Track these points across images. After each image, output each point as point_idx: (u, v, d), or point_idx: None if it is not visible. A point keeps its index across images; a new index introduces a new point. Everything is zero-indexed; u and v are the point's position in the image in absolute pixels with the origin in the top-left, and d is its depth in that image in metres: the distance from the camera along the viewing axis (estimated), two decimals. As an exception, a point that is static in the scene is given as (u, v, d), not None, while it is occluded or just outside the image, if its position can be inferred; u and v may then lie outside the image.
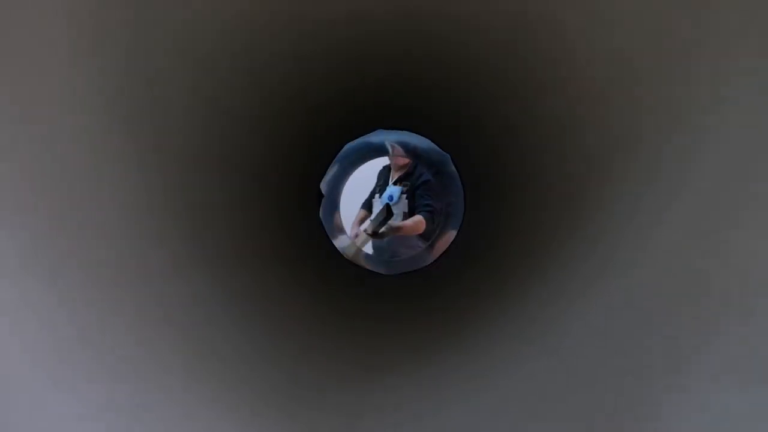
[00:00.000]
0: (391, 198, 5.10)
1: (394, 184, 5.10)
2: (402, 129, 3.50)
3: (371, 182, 5.51)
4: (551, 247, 1.35)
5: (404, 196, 4.89)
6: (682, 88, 0.90)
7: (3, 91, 0.71)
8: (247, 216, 1.66)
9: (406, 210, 4.71)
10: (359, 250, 4.42)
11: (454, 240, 3.02)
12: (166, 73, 1.16)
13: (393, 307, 2.12)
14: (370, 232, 4.49)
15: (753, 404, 0.65)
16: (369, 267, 3.18)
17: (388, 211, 4.74)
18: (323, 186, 3.71)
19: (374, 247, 4.82)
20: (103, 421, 0.71)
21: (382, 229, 4.44)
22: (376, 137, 3.71)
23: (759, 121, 0.74)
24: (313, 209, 3.41)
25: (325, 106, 2.28)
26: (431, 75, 1.89)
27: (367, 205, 5.29)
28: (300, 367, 1.20)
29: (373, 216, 4.99)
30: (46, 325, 0.72)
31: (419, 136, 3.52)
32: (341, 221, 4.40)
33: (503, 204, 2.21)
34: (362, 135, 3.46)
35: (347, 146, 3.34)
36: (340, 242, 4.03)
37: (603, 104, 1.12)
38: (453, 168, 3.42)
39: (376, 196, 5.34)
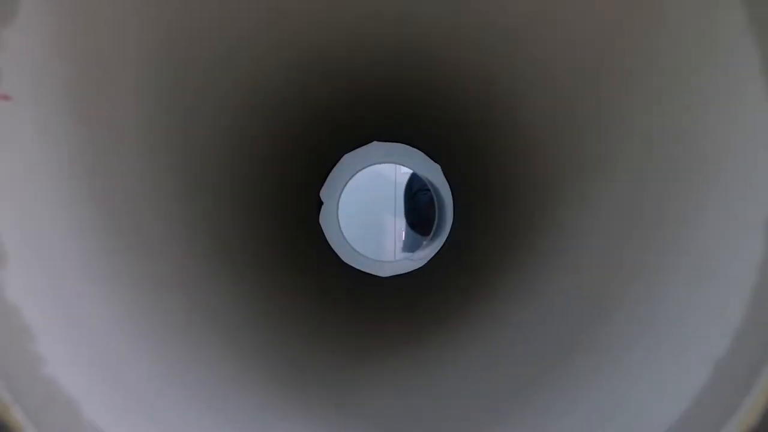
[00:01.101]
0: None
1: None
2: (396, 141, 3.71)
3: (370, 186, 5.79)
4: (518, 255, 1.58)
5: None
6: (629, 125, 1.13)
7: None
8: (256, 226, 1.88)
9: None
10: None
11: (442, 246, 3.24)
12: (181, 102, 1.37)
13: (386, 304, 2.34)
14: None
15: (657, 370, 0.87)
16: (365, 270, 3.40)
17: None
18: (322, 194, 3.92)
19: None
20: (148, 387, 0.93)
21: None
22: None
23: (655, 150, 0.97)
24: (313, 216, 3.62)
25: (324, 120, 2.50)
26: (424, 94, 2.11)
27: None
28: (307, 354, 1.42)
29: None
30: (105, 331, 0.94)
31: (412, 148, 3.73)
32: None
33: (489, 213, 2.43)
34: (359, 146, 3.67)
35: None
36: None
37: (568, 137, 1.34)
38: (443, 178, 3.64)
39: None
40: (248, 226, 1.95)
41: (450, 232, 3.60)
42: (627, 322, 0.97)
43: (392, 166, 6.21)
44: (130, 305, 1.00)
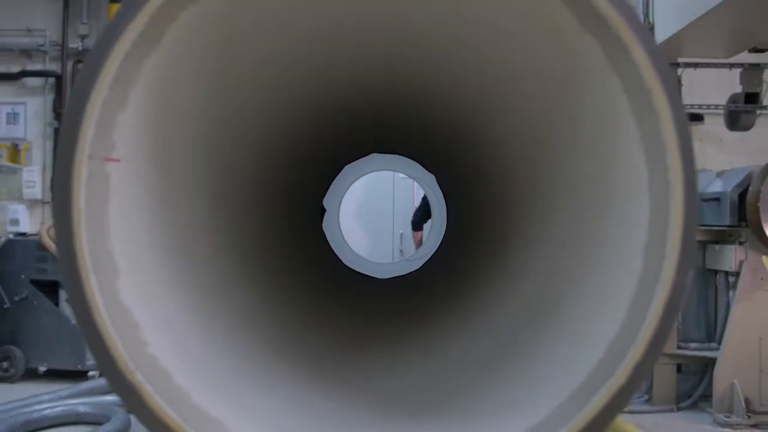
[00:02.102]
0: None
1: None
2: (394, 153, 4.08)
3: (369, 192, 6.26)
4: (493, 263, 1.97)
5: None
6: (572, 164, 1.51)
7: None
8: (272, 237, 2.27)
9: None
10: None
11: (436, 250, 3.62)
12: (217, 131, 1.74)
13: (383, 302, 2.73)
14: None
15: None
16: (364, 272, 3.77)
17: None
18: (325, 202, 4.32)
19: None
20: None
21: None
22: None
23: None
24: (317, 222, 4.00)
25: (330, 139, 2.88)
26: (420, 111, 2.48)
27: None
28: (316, 339, 1.81)
29: None
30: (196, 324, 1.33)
31: (409, 159, 4.11)
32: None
33: (475, 223, 2.82)
34: (360, 158, 4.05)
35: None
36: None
37: (528, 170, 1.72)
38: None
39: None
40: (267, 237, 2.34)
41: (443, 237, 3.98)
42: (556, 318, 1.36)
43: (390, 173, 6.61)
44: (195, 304, 1.39)
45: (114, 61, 1.09)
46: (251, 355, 1.60)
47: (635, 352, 1.10)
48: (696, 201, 1.13)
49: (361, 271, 3.84)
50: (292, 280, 2.39)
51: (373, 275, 3.82)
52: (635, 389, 1.12)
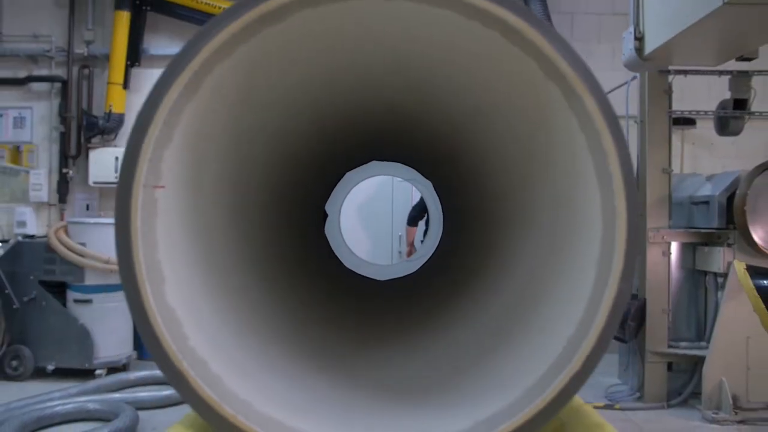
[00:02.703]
0: None
1: None
2: (393, 161, 4.36)
3: (369, 196, 6.56)
4: (482, 266, 2.26)
5: None
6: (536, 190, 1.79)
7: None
8: (282, 244, 2.55)
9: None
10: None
11: (433, 253, 3.90)
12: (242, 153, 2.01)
13: (383, 302, 3.02)
14: None
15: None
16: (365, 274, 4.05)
17: None
18: (327, 207, 4.59)
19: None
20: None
21: None
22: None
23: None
24: (320, 227, 4.29)
25: (334, 151, 3.15)
26: (416, 128, 2.75)
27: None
28: (322, 335, 2.10)
29: None
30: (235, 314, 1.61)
31: (407, 167, 4.39)
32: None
33: (470, 226, 3.09)
34: (361, 165, 4.32)
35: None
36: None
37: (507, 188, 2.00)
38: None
39: None
40: (277, 244, 2.62)
41: (439, 241, 4.26)
42: (529, 318, 1.65)
43: (389, 178, 6.90)
44: (220, 304, 1.68)
45: (164, 109, 1.37)
46: (269, 348, 1.88)
47: (588, 345, 1.38)
48: (636, 223, 1.41)
49: (362, 274, 4.10)
50: (300, 282, 2.68)
51: (374, 277, 4.09)
52: (589, 374, 1.40)
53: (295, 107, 2.03)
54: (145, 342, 1.40)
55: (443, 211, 4.23)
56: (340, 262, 4.22)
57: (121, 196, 1.37)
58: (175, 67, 1.39)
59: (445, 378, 1.80)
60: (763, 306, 3.36)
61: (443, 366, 1.93)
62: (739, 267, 3.56)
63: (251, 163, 2.10)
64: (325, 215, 4.54)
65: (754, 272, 3.54)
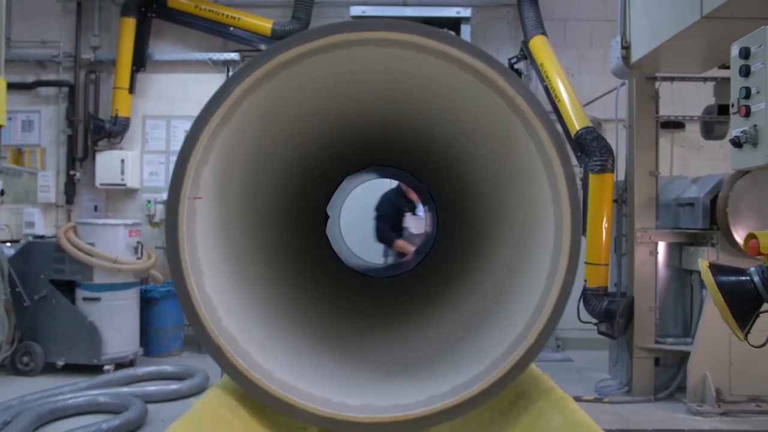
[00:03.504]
0: None
1: None
2: (391, 167, 4.76)
3: (367, 198, 6.97)
4: (468, 265, 2.67)
5: None
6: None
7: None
8: (290, 244, 2.96)
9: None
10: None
11: (428, 252, 4.31)
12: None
13: (380, 297, 3.43)
14: None
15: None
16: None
17: None
18: (328, 210, 4.99)
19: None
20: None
21: None
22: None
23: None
24: (322, 228, 4.69)
25: (337, 159, 3.55)
26: (410, 143, 3.14)
27: None
28: (328, 325, 2.51)
29: None
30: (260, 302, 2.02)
31: (404, 172, 4.78)
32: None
33: (463, 225, 3.49)
34: (360, 170, 4.72)
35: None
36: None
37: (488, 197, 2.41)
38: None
39: None
40: (286, 244, 3.03)
41: (433, 243, 4.65)
42: (499, 306, 2.06)
43: (386, 182, 7.29)
44: (243, 294, 2.09)
45: (204, 137, 1.78)
46: (283, 331, 2.29)
47: (539, 325, 1.79)
48: (579, 226, 1.81)
49: (361, 271, 4.50)
50: (306, 278, 3.10)
51: (371, 275, 4.49)
52: (540, 349, 1.81)
53: (303, 129, 2.44)
54: (190, 322, 1.80)
55: (437, 214, 4.62)
56: (341, 260, 4.62)
57: (170, 207, 1.77)
58: (212, 103, 1.79)
59: (430, 357, 2.22)
60: (722, 300, 3.71)
61: (429, 348, 2.35)
62: (703, 264, 3.89)
63: (265, 174, 2.51)
64: (327, 217, 4.93)
65: (717, 270, 3.89)
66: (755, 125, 3.18)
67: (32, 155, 8.93)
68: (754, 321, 3.73)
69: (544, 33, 8.73)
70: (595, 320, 7.93)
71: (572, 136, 7.98)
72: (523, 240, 2.09)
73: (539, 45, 8.58)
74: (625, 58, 6.86)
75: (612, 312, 7.55)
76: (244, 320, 2.01)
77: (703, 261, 3.94)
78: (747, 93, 3.23)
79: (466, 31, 8.94)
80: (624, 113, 7.78)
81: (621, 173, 7.91)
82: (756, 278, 3.67)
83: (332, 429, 1.83)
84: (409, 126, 2.73)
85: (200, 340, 1.80)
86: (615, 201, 7.81)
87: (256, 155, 2.23)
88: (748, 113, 3.22)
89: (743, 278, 3.74)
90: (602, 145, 7.65)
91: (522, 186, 2.06)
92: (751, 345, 3.92)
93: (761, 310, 3.74)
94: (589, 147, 7.65)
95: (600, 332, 7.99)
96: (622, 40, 6.78)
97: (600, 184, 7.50)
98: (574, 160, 9.15)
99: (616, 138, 8.11)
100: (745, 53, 3.30)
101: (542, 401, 1.81)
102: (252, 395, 1.79)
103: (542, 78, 8.33)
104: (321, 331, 2.55)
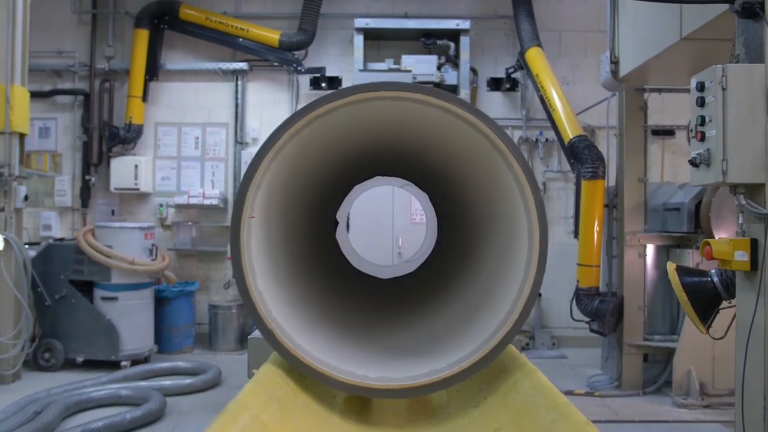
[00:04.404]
0: None
1: None
2: (395, 176, 5.39)
3: (372, 204, 7.60)
4: (463, 265, 3.32)
5: None
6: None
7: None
8: (308, 248, 3.60)
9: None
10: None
11: (429, 254, 4.95)
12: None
13: (386, 295, 4.08)
14: None
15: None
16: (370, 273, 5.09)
17: None
18: (338, 216, 5.63)
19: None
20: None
21: None
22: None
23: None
24: (332, 234, 5.33)
25: (348, 175, 4.19)
26: (413, 158, 3.78)
27: None
28: (341, 318, 3.17)
29: None
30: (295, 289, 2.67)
31: (406, 181, 5.42)
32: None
33: (456, 234, 4.14)
34: (367, 180, 5.35)
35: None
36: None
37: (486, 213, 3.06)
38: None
39: None
40: (307, 249, 3.67)
41: (434, 245, 5.29)
42: (488, 300, 2.70)
43: (390, 189, 7.98)
44: (281, 291, 2.74)
45: (259, 173, 2.43)
46: (312, 323, 2.95)
47: (515, 314, 2.44)
48: (546, 240, 2.44)
49: (368, 273, 5.14)
50: (323, 278, 3.76)
51: (378, 275, 5.13)
52: (516, 332, 2.45)
53: (325, 157, 3.11)
54: (249, 312, 2.45)
55: (438, 220, 5.25)
56: (349, 262, 5.26)
57: (234, 224, 2.43)
58: (268, 143, 2.46)
59: (431, 342, 2.87)
60: (686, 299, 4.31)
61: (430, 335, 3.01)
62: (670, 267, 4.49)
63: (294, 193, 3.17)
64: (336, 223, 5.57)
65: (682, 271, 4.50)
66: (708, 149, 3.82)
67: (38, 157, 9.56)
68: (715, 316, 4.37)
69: (539, 44, 9.41)
70: (587, 318, 8.60)
71: (566, 143, 8.66)
72: (505, 250, 2.74)
73: (534, 56, 9.25)
74: (614, 72, 7.53)
75: (603, 311, 8.24)
76: (285, 312, 2.64)
77: (670, 264, 4.54)
78: (702, 120, 3.87)
79: (465, 42, 9.60)
80: (615, 122, 8.44)
81: (612, 179, 8.58)
82: (716, 279, 4.32)
83: (356, 394, 2.47)
84: (412, 154, 3.39)
85: (256, 326, 2.44)
86: (606, 206, 8.50)
87: (290, 180, 2.88)
88: (703, 138, 3.86)
89: (705, 279, 4.39)
90: (594, 153, 8.33)
91: (504, 206, 2.70)
92: (712, 337, 4.56)
93: (720, 306, 4.38)
94: (581, 155, 8.33)
95: (592, 330, 8.68)
96: (611, 55, 7.44)
97: (592, 189, 8.19)
98: (566, 166, 9.83)
99: (607, 146, 8.79)
100: (700, 87, 3.95)
101: (517, 373, 2.45)
102: (296, 368, 2.44)
103: (537, 88, 9.00)
104: (339, 324, 3.20)
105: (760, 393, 3.70)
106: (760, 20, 3.68)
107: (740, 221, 3.87)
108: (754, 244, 3.75)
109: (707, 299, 4.35)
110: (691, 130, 3.99)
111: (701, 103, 3.88)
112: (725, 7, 4.18)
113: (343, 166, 3.63)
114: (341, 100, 2.40)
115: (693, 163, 3.91)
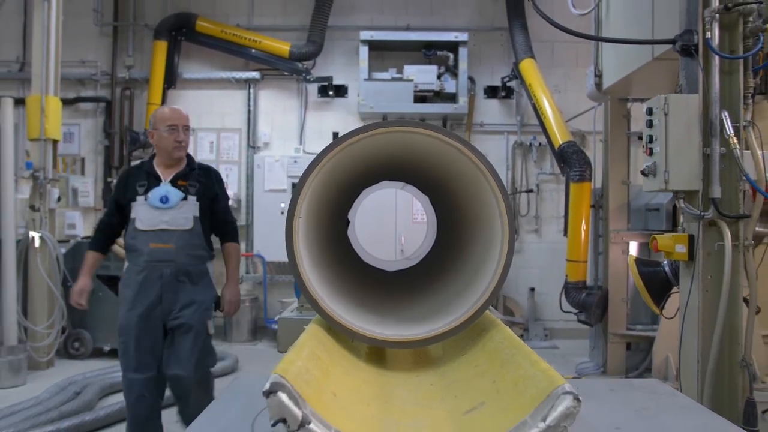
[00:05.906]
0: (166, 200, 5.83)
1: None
2: (399, 181, 6.52)
3: (377, 206, 8.74)
4: (458, 257, 4.47)
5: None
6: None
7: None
8: (327, 245, 4.74)
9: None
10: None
11: (429, 250, 6.10)
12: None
13: (393, 285, 5.23)
14: None
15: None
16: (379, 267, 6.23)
17: None
18: (349, 216, 6.75)
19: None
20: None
21: None
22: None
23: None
24: (344, 232, 6.47)
25: (362, 176, 5.32)
26: (415, 169, 4.92)
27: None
28: (357, 301, 4.31)
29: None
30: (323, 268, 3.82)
31: (409, 185, 6.55)
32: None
33: (455, 233, 5.28)
34: (374, 184, 6.48)
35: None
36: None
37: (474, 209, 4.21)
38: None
39: (139, 197, 6.01)
40: (328, 242, 4.81)
41: (434, 242, 6.43)
42: (472, 284, 3.84)
43: (393, 192, 9.12)
44: (318, 274, 3.88)
45: (307, 188, 3.56)
46: (336, 299, 4.06)
47: (487, 292, 3.57)
48: (513, 236, 3.56)
49: (376, 266, 6.27)
50: (342, 267, 4.89)
51: (384, 269, 6.26)
52: (494, 298, 3.59)
53: (346, 169, 4.23)
54: (301, 289, 3.57)
55: (437, 220, 6.39)
56: (359, 257, 6.40)
57: (288, 222, 3.54)
58: (314, 162, 3.60)
59: (430, 313, 4.03)
60: (642, 284, 5.43)
61: (429, 309, 4.17)
62: (630, 259, 5.58)
63: (322, 198, 4.29)
64: (348, 222, 6.71)
65: (640, 263, 5.60)
66: (655, 162, 4.97)
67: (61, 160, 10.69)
68: (666, 299, 5.49)
69: (532, 56, 10.59)
70: (575, 310, 9.77)
71: (556, 149, 9.84)
72: (486, 243, 3.88)
73: (528, 67, 10.44)
74: (598, 85, 8.71)
75: (589, 303, 9.44)
76: (320, 288, 3.78)
77: (631, 256, 5.60)
78: (651, 139, 5.02)
79: (463, 53, 10.78)
80: (602, 128, 9.60)
81: (599, 181, 9.73)
82: (667, 268, 5.46)
83: (376, 345, 3.62)
84: (415, 167, 4.53)
85: (304, 296, 3.58)
86: (593, 206, 9.70)
87: (322, 188, 4.02)
88: (651, 153, 5.01)
89: (658, 269, 5.51)
90: (581, 158, 9.52)
91: (487, 210, 3.85)
92: (664, 317, 5.68)
93: (671, 291, 5.51)
94: (570, 159, 9.51)
95: (579, 320, 9.87)
96: (595, 68, 8.61)
97: (579, 191, 9.38)
98: (557, 169, 10.99)
99: (594, 151, 9.99)
100: (649, 111, 5.13)
101: (493, 331, 3.59)
102: (332, 326, 3.57)
103: (530, 97, 10.17)
104: (357, 300, 4.37)
105: (694, 358, 4.83)
106: (695, 59, 4.79)
107: (681, 220, 4.99)
108: (691, 239, 4.87)
109: (660, 285, 5.48)
110: (643, 146, 5.14)
111: (650, 124, 5.02)
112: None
113: (358, 174, 4.78)
114: (366, 133, 3.55)
115: (644, 173, 5.06)
